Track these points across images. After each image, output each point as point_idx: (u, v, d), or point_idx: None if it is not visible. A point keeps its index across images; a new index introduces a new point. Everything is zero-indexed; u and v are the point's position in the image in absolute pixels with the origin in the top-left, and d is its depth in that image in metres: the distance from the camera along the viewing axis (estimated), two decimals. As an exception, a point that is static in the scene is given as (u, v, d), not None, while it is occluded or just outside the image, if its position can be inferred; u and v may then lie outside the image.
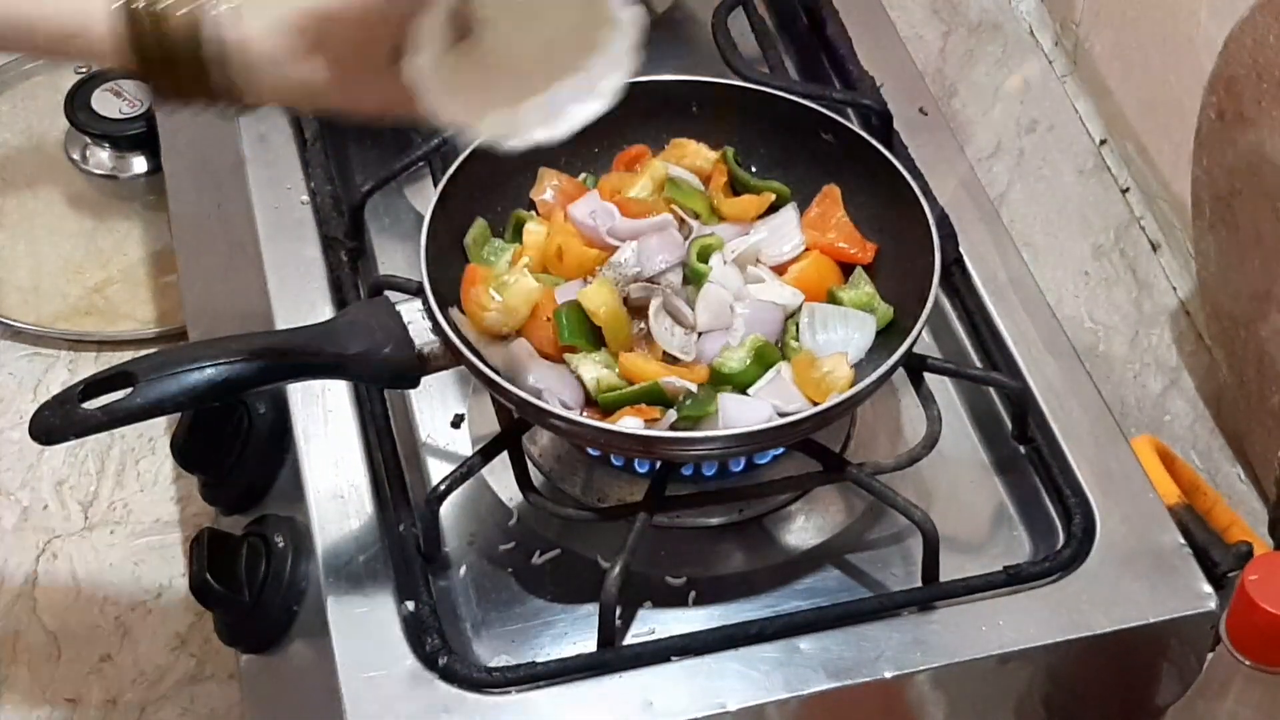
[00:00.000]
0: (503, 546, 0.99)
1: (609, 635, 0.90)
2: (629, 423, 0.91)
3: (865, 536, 1.00)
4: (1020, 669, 0.93)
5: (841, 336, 0.97)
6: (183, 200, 1.26)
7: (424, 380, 0.95)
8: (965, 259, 1.09)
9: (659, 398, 0.93)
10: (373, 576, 0.93)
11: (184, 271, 1.24)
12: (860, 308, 0.99)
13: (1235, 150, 1.19)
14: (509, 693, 0.89)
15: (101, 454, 1.25)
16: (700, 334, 0.97)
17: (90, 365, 1.30)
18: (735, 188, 1.05)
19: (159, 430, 1.25)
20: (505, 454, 0.96)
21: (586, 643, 0.92)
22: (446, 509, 0.96)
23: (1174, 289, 1.34)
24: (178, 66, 0.77)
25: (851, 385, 0.94)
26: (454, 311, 0.96)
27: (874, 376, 0.93)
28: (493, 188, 1.03)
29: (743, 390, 0.95)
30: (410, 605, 0.92)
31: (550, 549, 0.98)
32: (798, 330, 0.98)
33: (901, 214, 1.00)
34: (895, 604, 0.93)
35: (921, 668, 0.90)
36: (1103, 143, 1.44)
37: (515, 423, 0.97)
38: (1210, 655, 0.85)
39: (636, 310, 0.97)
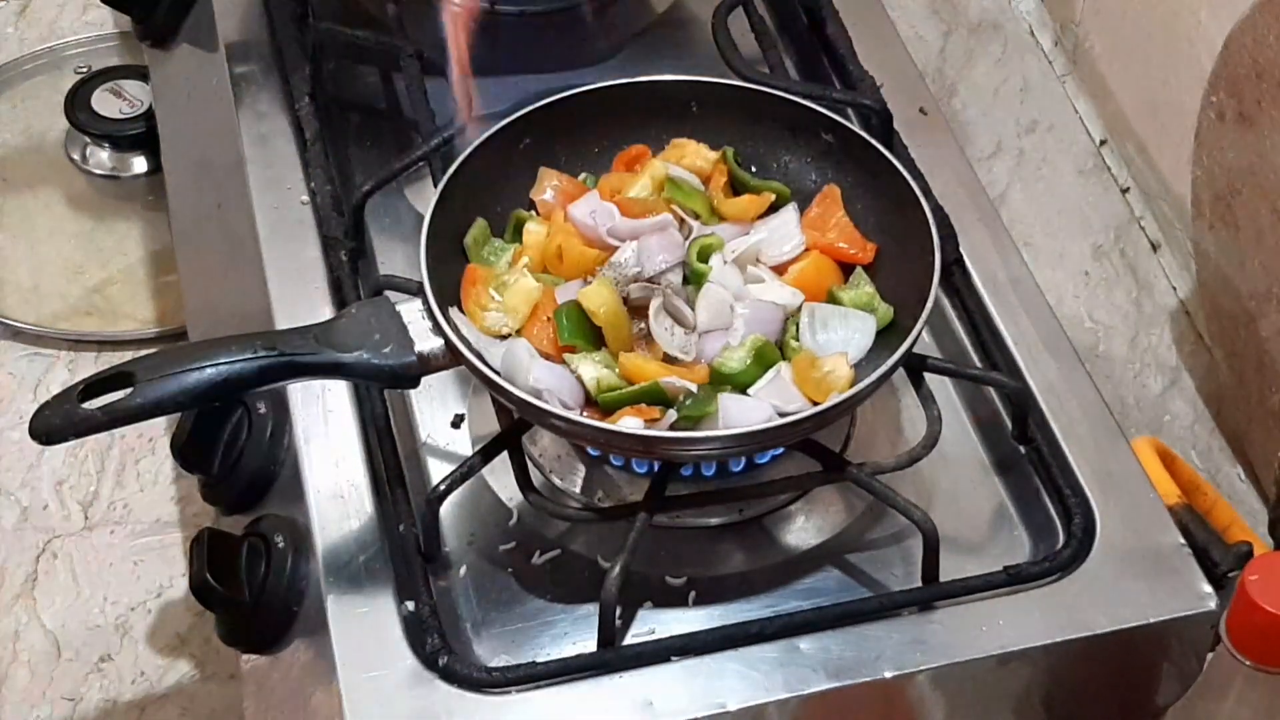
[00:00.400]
0: (503, 546, 0.99)
1: (609, 635, 0.90)
2: (629, 423, 0.91)
3: (865, 536, 0.99)
4: (1020, 669, 0.93)
5: (841, 336, 0.97)
6: (183, 200, 1.26)
7: (424, 380, 0.95)
8: (965, 259, 1.08)
9: (659, 398, 0.93)
10: (373, 576, 0.93)
11: (184, 271, 1.24)
12: (860, 308, 0.99)
13: (1235, 150, 1.19)
14: (509, 693, 0.89)
15: (101, 454, 1.25)
16: (700, 334, 0.97)
17: (90, 365, 1.30)
18: (735, 188, 1.05)
19: (159, 430, 1.25)
20: (505, 454, 0.96)
21: (586, 643, 0.92)
22: (446, 509, 0.96)
23: (1174, 289, 1.34)
24: None
25: (851, 385, 0.94)
26: (454, 311, 0.96)
27: (874, 376, 0.93)
28: (493, 188, 1.03)
29: (743, 390, 0.95)
30: (410, 605, 0.92)
31: (550, 549, 0.98)
32: (798, 330, 0.97)
33: (901, 214, 1.00)
34: (895, 604, 0.93)
35: (921, 668, 0.90)
36: (1103, 143, 1.44)
37: (515, 423, 0.97)
38: (1210, 655, 0.85)
39: (636, 310, 0.97)
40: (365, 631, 0.90)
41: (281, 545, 0.96)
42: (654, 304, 0.97)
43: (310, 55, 1.19)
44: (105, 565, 1.19)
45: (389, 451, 0.99)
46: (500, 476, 0.99)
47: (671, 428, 0.92)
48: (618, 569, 0.90)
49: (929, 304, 0.94)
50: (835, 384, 0.94)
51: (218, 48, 1.23)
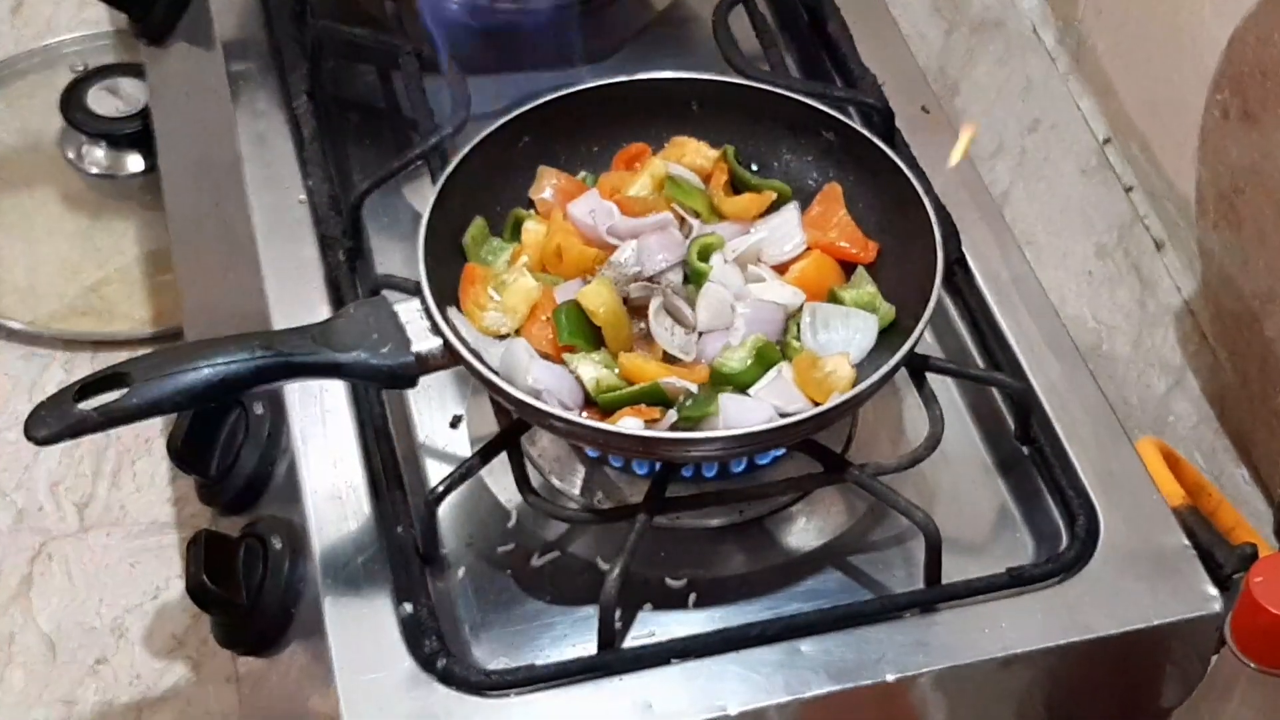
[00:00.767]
0: (502, 548, 0.98)
1: (608, 637, 0.90)
2: (629, 423, 0.91)
3: (867, 538, 0.99)
4: (1023, 671, 0.92)
5: (843, 336, 0.97)
6: (179, 199, 1.26)
7: (422, 380, 0.94)
8: (968, 258, 1.08)
9: (659, 398, 0.93)
10: (370, 578, 0.93)
11: (181, 271, 1.24)
12: (862, 307, 0.98)
13: (1239, 149, 1.18)
14: (508, 695, 0.88)
15: (97, 455, 1.25)
16: (700, 334, 0.96)
17: (86, 365, 1.30)
18: (736, 186, 1.04)
19: (155, 431, 1.25)
20: (504, 455, 0.96)
21: (586, 645, 0.92)
22: (445, 510, 0.95)
23: (1178, 288, 1.34)
24: None
25: (853, 385, 0.93)
26: (452, 311, 0.96)
27: (876, 377, 0.92)
28: (491, 186, 1.02)
29: (743, 390, 0.94)
30: (408, 607, 0.91)
31: (549, 550, 0.98)
32: (799, 330, 0.97)
33: (903, 213, 0.99)
34: (897, 606, 0.93)
35: (924, 670, 0.90)
36: (1106, 141, 1.43)
37: (514, 423, 0.96)
38: (1215, 658, 0.84)
39: (636, 310, 0.97)
40: (363, 633, 0.90)
41: (279, 546, 0.96)
42: (654, 304, 0.96)
43: (308, 53, 1.18)
44: (101, 567, 1.19)
45: (387, 452, 0.98)
46: (499, 478, 0.99)
47: (672, 428, 0.92)
48: (617, 571, 0.89)
49: (931, 304, 0.94)
50: (836, 384, 0.94)
51: (215, 46, 1.22)
